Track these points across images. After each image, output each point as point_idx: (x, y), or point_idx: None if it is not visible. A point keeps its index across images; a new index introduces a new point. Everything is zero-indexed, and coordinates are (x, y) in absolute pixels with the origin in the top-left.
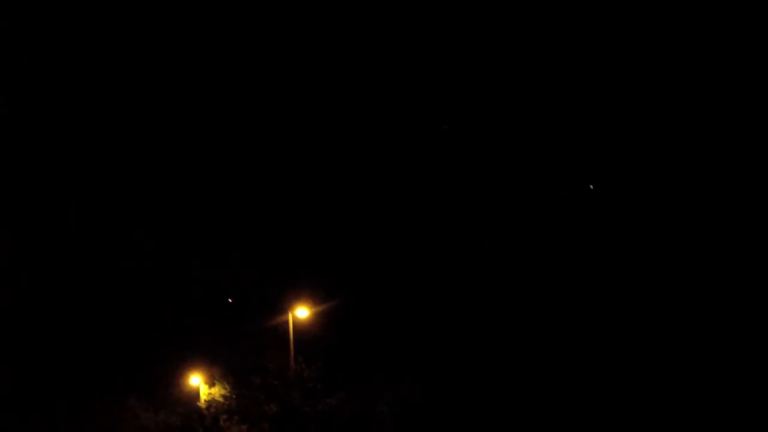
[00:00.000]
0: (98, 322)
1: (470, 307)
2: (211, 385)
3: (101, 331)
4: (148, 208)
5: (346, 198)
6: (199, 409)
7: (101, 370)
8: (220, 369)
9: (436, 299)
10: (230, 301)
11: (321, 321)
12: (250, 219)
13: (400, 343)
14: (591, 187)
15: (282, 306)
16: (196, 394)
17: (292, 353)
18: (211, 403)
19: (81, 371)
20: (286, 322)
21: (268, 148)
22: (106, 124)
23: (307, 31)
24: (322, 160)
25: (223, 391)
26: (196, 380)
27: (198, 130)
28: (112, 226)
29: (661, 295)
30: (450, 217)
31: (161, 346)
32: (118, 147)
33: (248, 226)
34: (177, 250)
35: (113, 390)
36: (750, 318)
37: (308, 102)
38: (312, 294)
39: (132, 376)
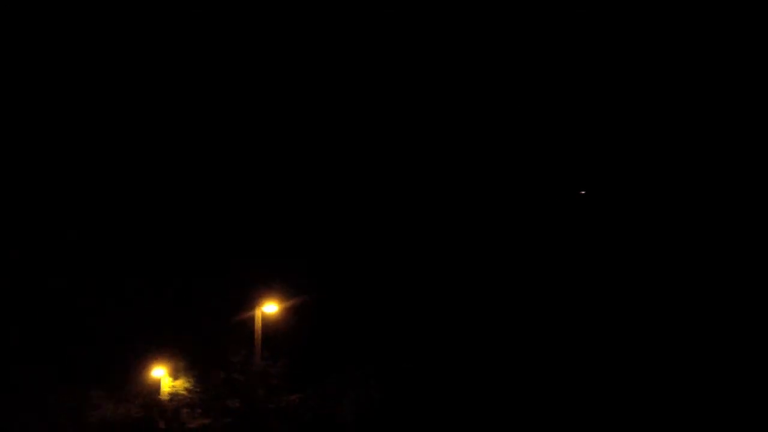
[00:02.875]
0: (63, 310)
1: (441, 308)
2: (175, 377)
3: (66, 320)
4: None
5: (321, 194)
6: (160, 401)
7: (65, 358)
8: (184, 362)
9: (406, 299)
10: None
11: (289, 317)
12: (222, 212)
13: (367, 343)
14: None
15: (251, 300)
16: (158, 387)
17: (258, 349)
18: (173, 395)
19: (46, 359)
20: (254, 316)
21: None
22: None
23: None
24: (300, 153)
25: (186, 385)
26: (160, 372)
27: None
28: (79, 212)
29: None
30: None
31: (126, 336)
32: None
33: (220, 219)
34: (145, 240)
35: (77, 379)
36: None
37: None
38: (282, 289)
39: (96, 366)
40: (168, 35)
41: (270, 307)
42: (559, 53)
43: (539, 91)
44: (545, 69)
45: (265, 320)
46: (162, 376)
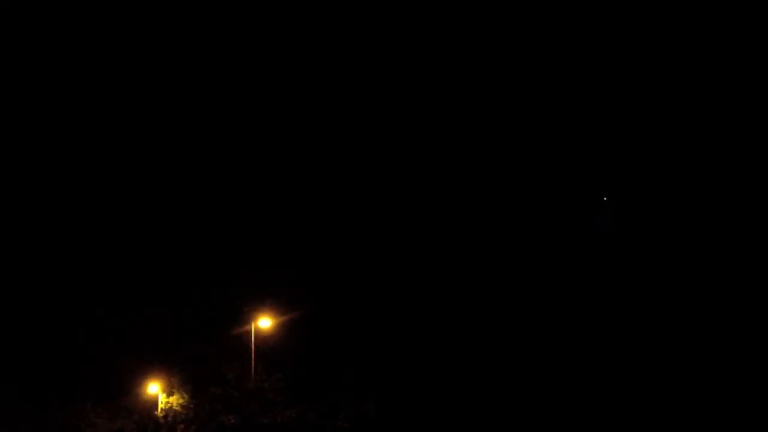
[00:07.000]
0: (60, 327)
1: (435, 323)
2: (170, 394)
3: (63, 336)
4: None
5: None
6: (156, 417)
7: (61, 375)
8: (179, 378)
9: (401, 315)
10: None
11: (283, 332)
12: (216, 227)
13: (362, 358)
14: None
15: (245, 316)
16: (154, 403)
17: (253, 364)
18: (168, 411)
19: (41, 376)
20: (248, 332)
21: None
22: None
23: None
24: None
25: (181, 401)
26: (155, 388)
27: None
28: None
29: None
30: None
31: (122, 353)
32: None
33: (214, 234)
34: (141, 258)
35: (72, 396)
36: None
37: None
38: (276, 304)
39: (91, 382)
40: (164, 35)
41: (264, 322)
42: (558, 55)
43: (537, 92)
44: (544, 70)
45: (259, 335)
46: (157, 392)
